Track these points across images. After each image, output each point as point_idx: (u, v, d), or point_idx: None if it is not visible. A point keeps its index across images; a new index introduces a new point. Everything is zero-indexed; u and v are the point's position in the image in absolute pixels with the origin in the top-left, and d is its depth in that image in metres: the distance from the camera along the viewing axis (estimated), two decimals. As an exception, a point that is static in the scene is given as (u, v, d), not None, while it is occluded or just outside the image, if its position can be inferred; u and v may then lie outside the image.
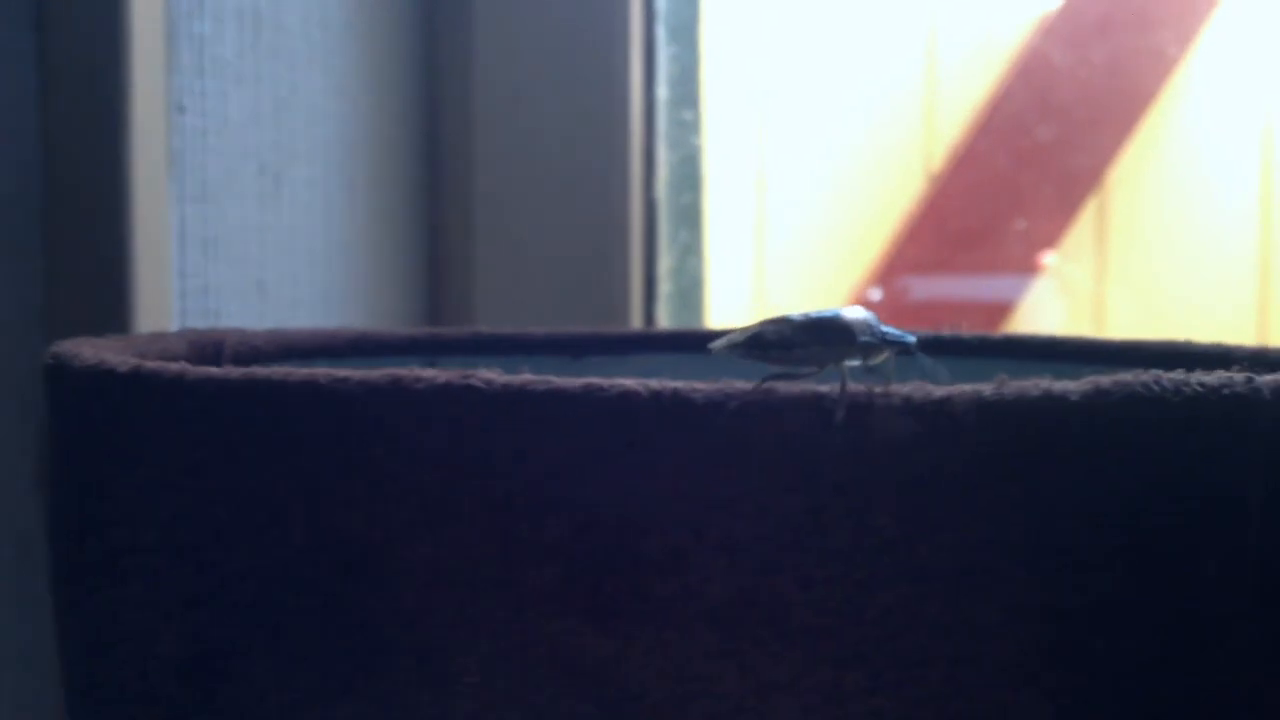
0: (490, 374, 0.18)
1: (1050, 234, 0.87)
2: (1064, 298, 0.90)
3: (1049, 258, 0.85)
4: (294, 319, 0.56)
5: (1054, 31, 0.85)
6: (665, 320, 0.71)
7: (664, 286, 0.70)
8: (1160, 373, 0.18)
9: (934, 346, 0.28)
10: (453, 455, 0.18)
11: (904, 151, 0.87)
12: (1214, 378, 0.18)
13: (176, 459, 0.19)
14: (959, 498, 0.17)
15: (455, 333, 0.35)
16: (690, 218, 0.70)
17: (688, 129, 0.68)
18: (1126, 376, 0.18)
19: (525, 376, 0.18)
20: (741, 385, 0.18)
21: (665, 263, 0.70)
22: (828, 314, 0.21)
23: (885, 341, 0.21)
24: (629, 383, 0.17)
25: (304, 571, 0.18)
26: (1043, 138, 0.86)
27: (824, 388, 0.17)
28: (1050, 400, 0.18)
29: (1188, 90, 0.84)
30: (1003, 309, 0.87)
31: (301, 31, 0.56)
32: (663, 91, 0.67)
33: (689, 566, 0.17)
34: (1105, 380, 0.18)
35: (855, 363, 0.20)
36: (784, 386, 0.17)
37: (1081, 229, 0.86)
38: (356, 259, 0.61)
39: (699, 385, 0.17)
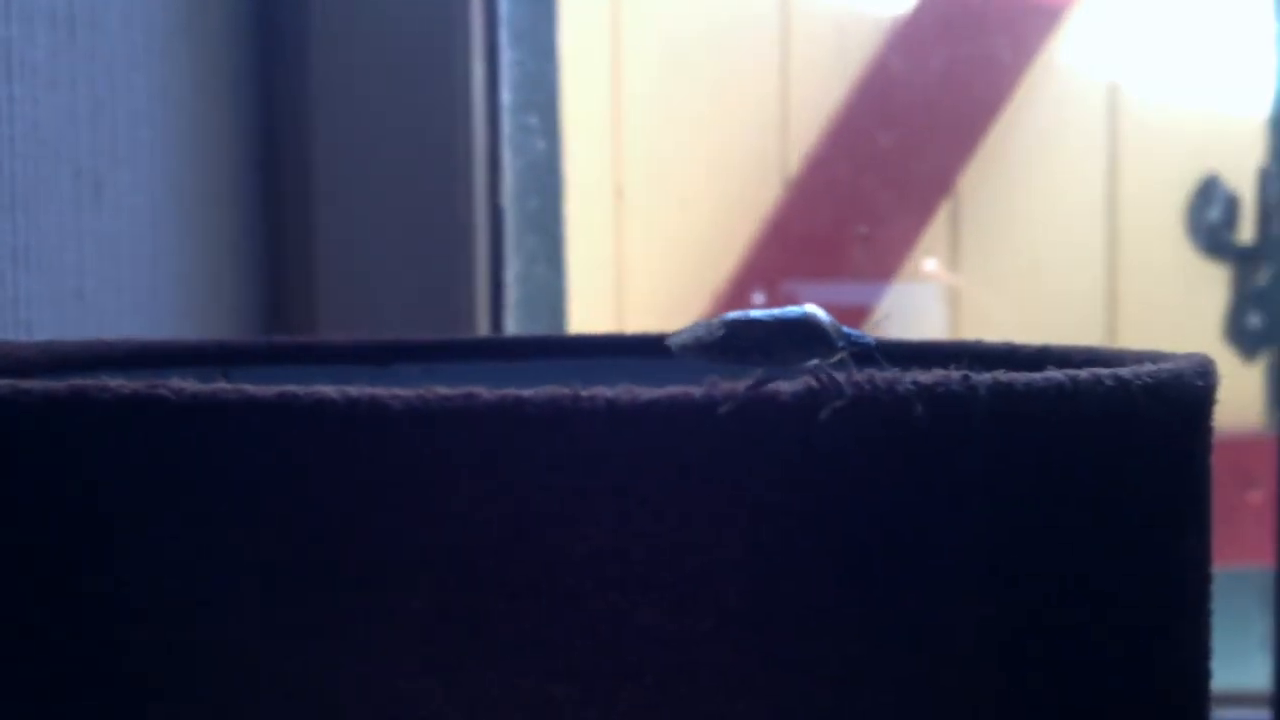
0: (182, 383, 0.17)
1: (905, 238, 0.88)
2: (942, 302, 0.91)
3: (929, 263, 0.86)
4: (118, 329, 0.54)
5: (903, 39, 0.86)
6: (514, 327, 0.70)
7: (512, 293, 0.69)
8: (874, 373, 0.18)
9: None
10: (145, 470, 0.17)
11: (761, 157, 0.88)
12: (929, 377, 0.18)
13: None
14: (671, 503, 0.17)
15: (248, 342, 0.34)
16: (537, 224, 0.69)
17: (533, 134, 0.68)
18: (839, 377, 0.18)
19: (218, 385, 0.17)
20: (444, 390, 0.17)
21: (513, 269, 0.69)
22: (797, 314, 0.20)
23: (852, 343, 0.20)
24: (327, 390, 0.17)
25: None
26: (894, 144, 0.88)
27: (527, 392, 0.17)
28: (762, 404, 0.17)
29: (1035, 95, 0.86)
30: (861, 313, 0.88)
31: (121, 33, 0.54)
32: (507, 96, 0.67)
33: (389, 580, 0.17)
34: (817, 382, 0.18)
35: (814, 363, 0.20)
36: (484, 393, 0.17)
37: (936, 233, 0.87)
38: (188, 267, 0.59)
39: (401, 392, 0.17)
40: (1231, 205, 0.88)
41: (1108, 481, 0.20)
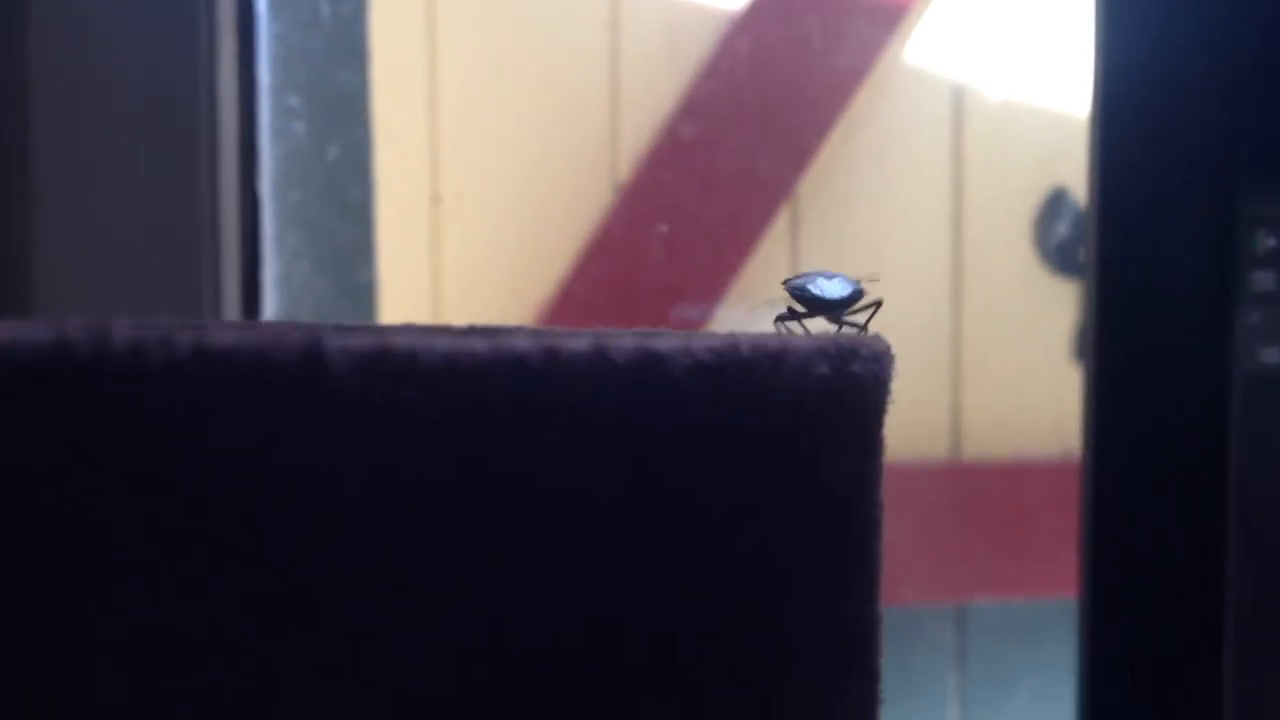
0: None
1: (741, 245, 0.82)
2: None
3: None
4: None
5: (736, 39, 0.80)
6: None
7: (271, 296, 0.61)
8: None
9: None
10: None
11: (590, 162, 0.81)
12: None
13: None
14: None
15: None
16: (300, 218, 0.61)
17: (292, 116, 0.60)
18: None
19: None
20: None
21: (272, 269, 0.61)
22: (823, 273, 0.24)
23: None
24: None
25: None
26: (727, 148, 0.81)
27: None
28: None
29: (879, 98, 0.80)
30: (697, 324, 0.81)
31: None
32: (265, 76, 0.58)
33: None
34: None
35: None
36: None
37: (775, 240, 0.81)
38: None
39: None
40: (1079, 221, 0.83)
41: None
